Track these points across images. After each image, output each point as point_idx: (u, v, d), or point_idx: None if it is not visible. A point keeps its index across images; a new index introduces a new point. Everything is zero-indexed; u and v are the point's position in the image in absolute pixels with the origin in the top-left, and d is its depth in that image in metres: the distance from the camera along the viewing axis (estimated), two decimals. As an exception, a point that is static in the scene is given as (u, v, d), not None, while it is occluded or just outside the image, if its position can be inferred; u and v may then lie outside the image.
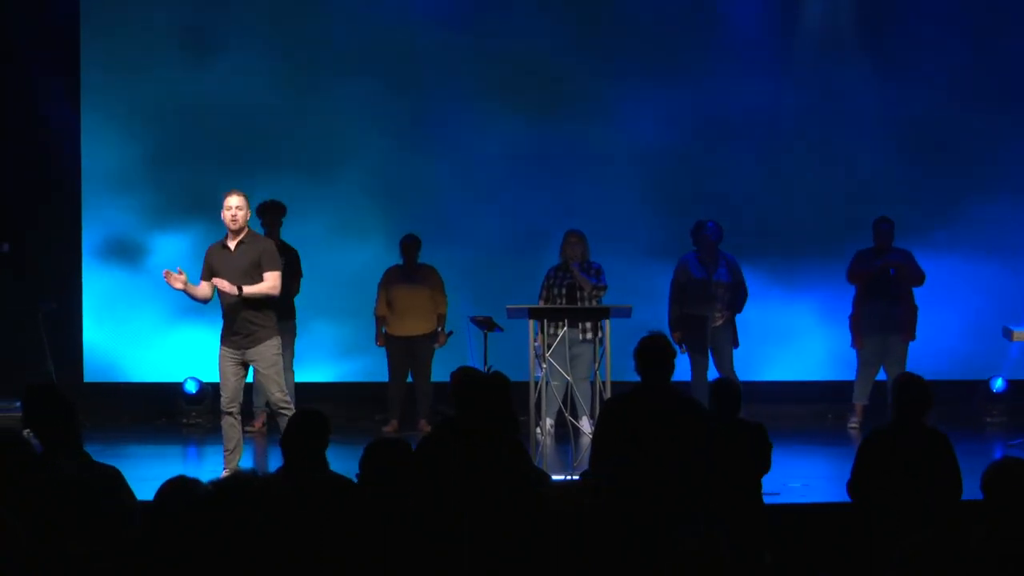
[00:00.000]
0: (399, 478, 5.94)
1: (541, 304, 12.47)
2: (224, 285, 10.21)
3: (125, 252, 14.11)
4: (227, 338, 10.34)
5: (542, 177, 14.25)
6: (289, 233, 13.11)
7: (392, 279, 13.33)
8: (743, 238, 13.70)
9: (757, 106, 14.31)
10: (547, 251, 13.18)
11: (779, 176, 14.38)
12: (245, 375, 10.45)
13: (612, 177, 14.29)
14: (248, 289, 10.24)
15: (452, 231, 14.09)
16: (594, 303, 12.45)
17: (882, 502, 7.66)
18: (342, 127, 14.23)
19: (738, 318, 13.12)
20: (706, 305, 13.01)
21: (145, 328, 14.10)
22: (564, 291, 12.67)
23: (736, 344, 13.11)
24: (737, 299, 13.13)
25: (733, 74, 14.28)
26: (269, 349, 10.37)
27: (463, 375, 7.73)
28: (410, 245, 13.31)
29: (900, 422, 7.76)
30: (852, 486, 7.86)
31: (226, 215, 10.30)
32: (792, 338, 14.22)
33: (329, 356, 14.13)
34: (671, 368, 7.75)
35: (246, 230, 10.41)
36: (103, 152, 14.08)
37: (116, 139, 14.06)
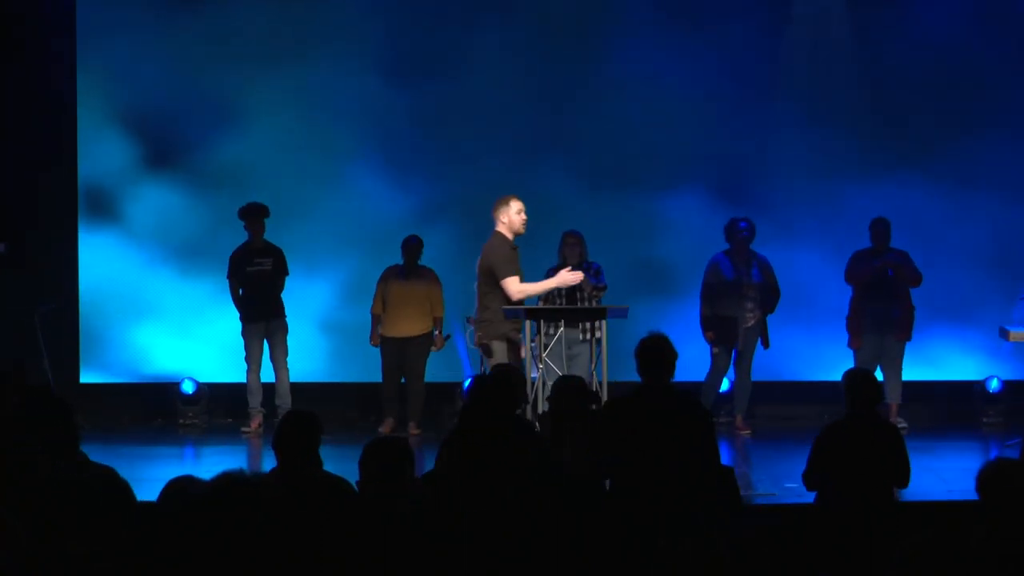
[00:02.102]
0: (400, 477, 5.93)
1: (540, 304, 12.44)
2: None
3: (123, 252, 14.08)
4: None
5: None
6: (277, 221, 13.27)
7: (389, 277, 13.31)
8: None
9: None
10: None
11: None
12: None
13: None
14: None
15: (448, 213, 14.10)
16: (594, 303, 12.45)
17: (836, 491, 8.02)
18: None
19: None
20: (737, 307, 13.06)
21: (142, 329, 14.08)
22: (564, 291, 12.62)
23: (767, 345, 13.17)
24: (769, 299, 13.19)
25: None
26: None
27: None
28: (413, 246, 13.24)
29: (854, 415, 8.15)
30: (807, 476, 8.18)
31: (520, 218, 10.59)
32: (802, 337, 14.17)
33: (322, 356, 14.09)
34: (671, 368, 7.77)
35: None
36: (101, 151, 14.06)
37: (114, 137, 14.05)
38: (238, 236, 13.41)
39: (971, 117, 14.24)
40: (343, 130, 14.15)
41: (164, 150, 14.12)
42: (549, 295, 12.59)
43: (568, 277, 10.62)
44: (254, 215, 13.26)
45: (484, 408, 7.53)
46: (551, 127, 14.20)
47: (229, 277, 13.33)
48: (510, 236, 10.58)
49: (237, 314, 13.36)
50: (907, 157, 14.20)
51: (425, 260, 13.36)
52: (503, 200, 10.65)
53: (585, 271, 12.52)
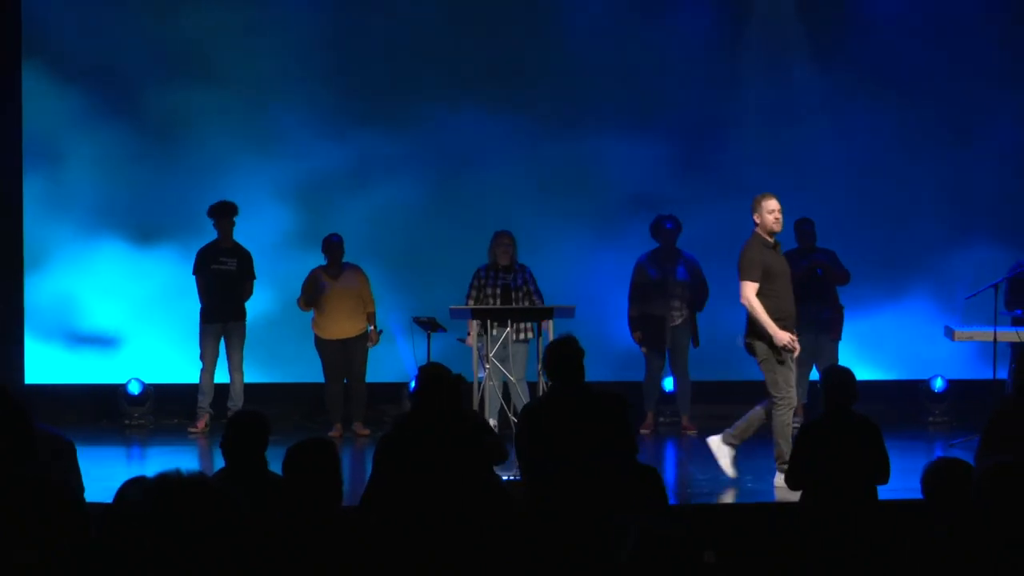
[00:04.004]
0: (324, 479, 5.90)
1: (470, 304, 12.41)
2: None
3: (66, 251, 13.99)
4: None
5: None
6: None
7: (318, 280, 13.14)
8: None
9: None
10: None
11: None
12: None
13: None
14: None
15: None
16: (527, 303, 12.39)
17: (822, 489, 8.08)
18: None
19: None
20: (663, 305, 13.07)
21: (87, 329, 14.01)
22: (499, 291, 12.57)
23: (696, 344, 13.17)
24: (697, 297, 13.19)
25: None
26: None
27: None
28: (335, 244, 13.05)
29: (833, 413, 8.17)
30: (789, 476, 8.28)
31: (772, 217, 10.40)
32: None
33: (269, 356, 14.01)
34: (580, 369, 7.75)
35: None
36: (44, 148, 13.98)
37: (59, 130, 13.98)
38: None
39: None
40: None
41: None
42: (483, 295, 12.56)
43: (784, 339, 10.21)
44: (220, 214, 13.14)
45: (427, 407, 7.55)
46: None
47: (194, 272, 13.23)
48: (765, 236, 10.40)
49: (187, 312, 13.31)
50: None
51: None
52: (758, 200, 10.45)
53: (518, 271, 12.56)
